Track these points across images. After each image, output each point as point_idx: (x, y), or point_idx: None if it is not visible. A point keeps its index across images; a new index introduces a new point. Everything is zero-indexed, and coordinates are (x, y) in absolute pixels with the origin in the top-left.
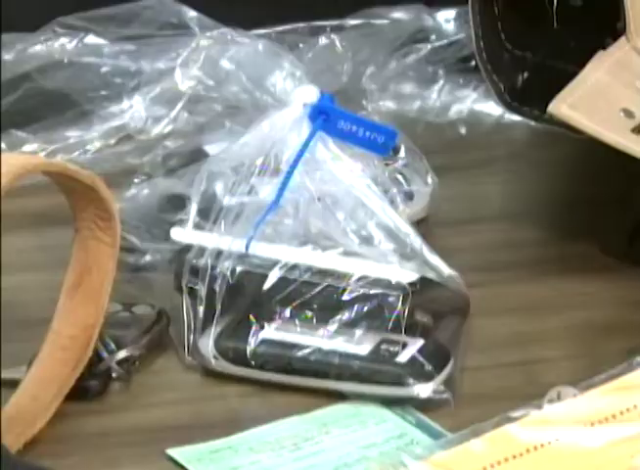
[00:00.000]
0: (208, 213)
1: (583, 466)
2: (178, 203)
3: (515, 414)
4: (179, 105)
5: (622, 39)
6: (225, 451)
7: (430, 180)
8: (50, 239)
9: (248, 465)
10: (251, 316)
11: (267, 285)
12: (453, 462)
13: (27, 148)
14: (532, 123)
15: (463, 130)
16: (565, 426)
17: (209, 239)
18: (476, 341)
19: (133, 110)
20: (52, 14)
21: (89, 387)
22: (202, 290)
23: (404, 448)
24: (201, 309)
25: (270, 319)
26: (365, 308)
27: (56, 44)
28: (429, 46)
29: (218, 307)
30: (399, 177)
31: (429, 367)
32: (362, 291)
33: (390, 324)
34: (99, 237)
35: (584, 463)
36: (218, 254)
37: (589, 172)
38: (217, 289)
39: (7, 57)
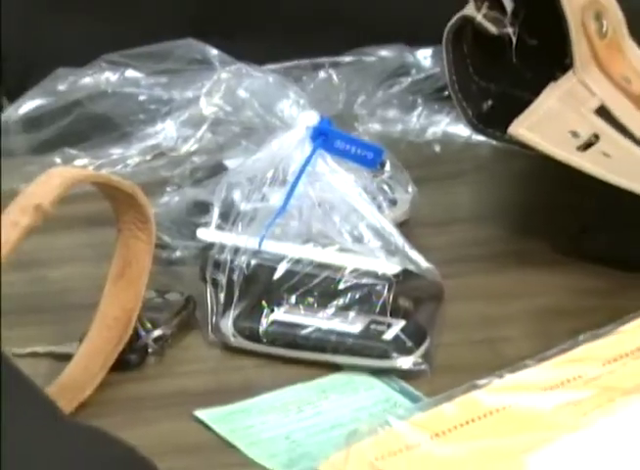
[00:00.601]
0: (228, 217)
1: (536, 425)
2: (203, 208)
3: (481, 382)
4: (204, 127)
5: (570, 73)
6: (241, 413)
7: (410, 189)
8: (97, 237)
9: (259, 424)
10: (263, 302)
11: (276, 276)
12: (429, 422)
13: (78, 163)
14: (495, 143)
15: (437, 148)
16: (521, 392)
17: (229, 238)
18: (448, 322)
19: (165, 131)
20: (99, 52)
21: (129, 360)
22: (222, 280)
23: (389, 411)
24: (221, 296)
25: (279, 304)
26: (357, 295)
27: (102, 77)
28: (409, 79)
29: (236, 294)
30: (385, 187)
31: (409, 343)
32: (354, 281)
33: (378, 308)
34: (138, 236)
35: (537, 423)
36: (236, 250)
37: (542, 183)
38: (235, 279)
39: (61, 87)
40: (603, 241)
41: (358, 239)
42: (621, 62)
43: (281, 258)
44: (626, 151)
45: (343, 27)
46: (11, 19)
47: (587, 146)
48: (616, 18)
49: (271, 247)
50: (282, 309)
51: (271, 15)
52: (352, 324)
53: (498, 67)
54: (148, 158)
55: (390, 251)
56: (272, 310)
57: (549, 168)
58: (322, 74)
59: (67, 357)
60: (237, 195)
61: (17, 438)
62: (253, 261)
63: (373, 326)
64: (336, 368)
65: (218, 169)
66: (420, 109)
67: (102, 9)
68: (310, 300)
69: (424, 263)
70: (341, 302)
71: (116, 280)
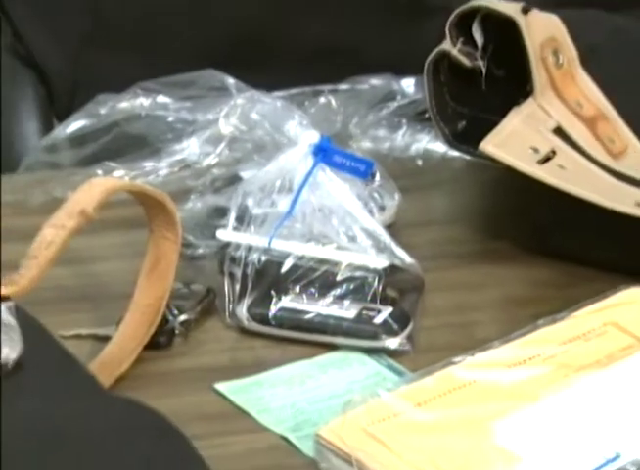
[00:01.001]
0: (243, 220)
1: (502, 396)
2: (221, 212)
3: (455, 360)
4: (222, 144)
5: (531, 98)
6: (253, 386)
7: (396, 196)
8: (132, 238)
9: (268, 395)
10: (272, 291)
11: (283, 270)
12: (412, 393)
13: (116, 174)
14: (468, 157)
15: (419, 162)
16: (490, 368)
17: (243, 237)
18: (428, 309)
19: (190, 148)
20: (134, 80)
21: (159, 340)
22: (237, 273)
23: (379, 384)
24: (237, 287)
25: (285, 293)
26: (351, 286)
27: (136, 101)
28: (396, 104)
29: (249, 285)
30: (375, 194)
31: (396, 327)
32: (349, 274)
33: (369, 297)
34: (166, 236)
35: (503, 394)
36: (249, 248)
37: (508, 191)
38: (248, 272)
39: (102, 110)
40: (558, 240)
41: (352, 238)
42: (574, 89)
43: (287, 255)
44: (578, 164)
45: (340, 60)
46: (61, 53)
47: (545, 160)
48: (570, 52)
49: (279, 245)
50: (288, 298)
51: (279, 50)
52: (347, 310)
53: (471, 93)
54: (175, 170)
55: (380, 248)
56: (280, 299)
57: (513, 179)
58: (322, 100)
59: (106, 339)
60: (250, 201)
61: (63, 407)
62: (264, 257)
63: (365, 312)
64: (333, 348)
65: (234, 180)
66: (404, 129)
67: (137, 44)
68: (312, 290)
69: (408, 259)
70: (337, 291)
71: (148, 273)
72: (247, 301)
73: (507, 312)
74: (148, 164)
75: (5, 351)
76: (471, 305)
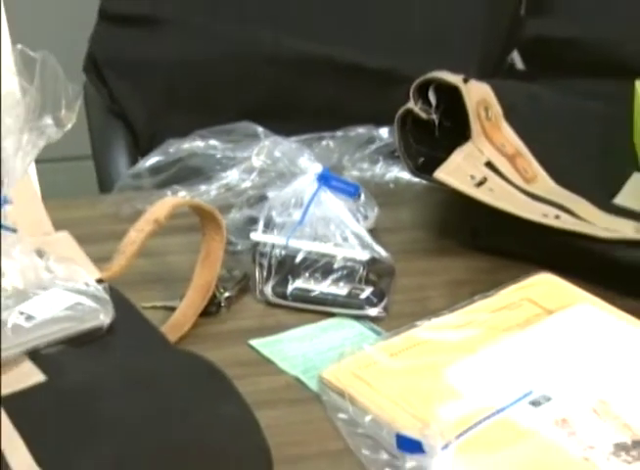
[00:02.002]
0: (268, 226)
1: (449, 349)
2: (253, 221)
3: (417, 324)
4: (254, 173)
5: (469, 141)
6: (276, 342)
7: (375, 210)
8: (191, 238)
9: (286, 349)
10: (289, 276)
11: (297, 261)
12: (387, 347)
13: (181, 194)
14: (425, 182)
15: (392, 185)
16: (440, 330)
17: (269, 238)
18: (398, 288)
19: (232, 176)
20: (193, 129)
21: (210, 310)
22: (265, 263)
23: (363, 341)
24: (264, 273)
25: (298, 277)
26: (344, 272)
27: (195, 144)
28: (375, 146)
29: (273, 272)
30: (361, 208)
31: (375, 300)
32: (343, 264)
33: (357, 280)
34: (215, 238)
35: (450, 348)
36: (273, 245)
37: (453, 206)
38: (272, 263)
39: (171, 150)
40: (489, 239)
41: (345, 239)
42: (499, 135)
43: (299, 250)
44: (502, 187)
45: (336, 116)
46: (144, 111)
47: (480, 184)
48: (496, 110)
49: (293, 243)
50: (300, 280)
51: (294, 109)
52: (341, 289)
53: (427, 138)
54: (221, 191)
55: (364, 246)
56: (294, 281)
57: (457, 197)
58: (323, 143)
59: (172, 309)
60: (274, 213)
61: (142, 357)
62: (283, 252)
63: (354, 290)
64: (331, 315)
65: (263, 198)
66: (381, 163)
67: (196, 104)
68: (316, 274)
69: (383, 253)
70: (334, 276)
71: (202, 263)
72: (271, 282)
73: (452, 291)
74: (202, 188)
75: (101, 317)
76: (427, 286)
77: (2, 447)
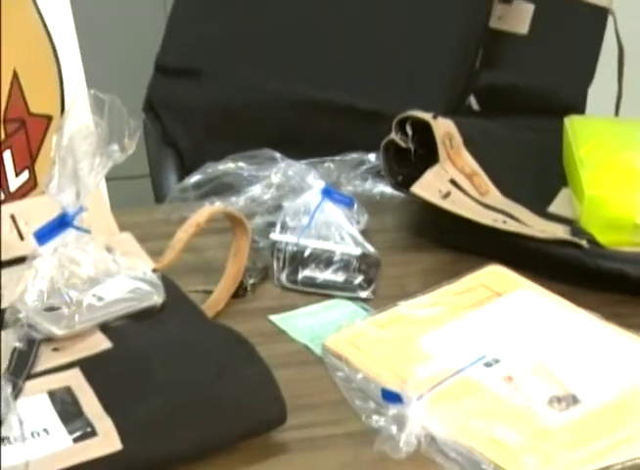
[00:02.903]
0: (284, 228)
1: (423, 323)
2: (272, 225)
3: (398, 303)
4: (273, 188)
5: (438, 164)
6: (289, 317)
7: (365, 216)
8: (225, 238)
9: (297, 322)
10: (299, 267)
11: (305, 255)
12: (375, 322)
13: (216, 204)
14: (403, 195)
15: (378, 198)
16: (416, 308)
17: (284, 238)
18: (383, 276)
19: (255, 190)
20: (226, 154)
21: (239, 293)
22: (280, 257)
23: (356, 316)
24: (280, 264)
25: (306, 268)
26: (342, 264)
27: (227, 165)
28: (365, 167)
29: (287, 264)
30: (354, 215)
31: (365, 286)
32: (340, 257)
33: (351, 269)
34: (242, 238)
35: (423, 322)
36: (287, 243)
37: (426, 213)
38: (286, 256)
39: (209, 170)
40: (452, 239)
41: (342, 238)
42: (460, 159)
43: (307, 247)
44: (463, 199)
45: (336, 145)
46: (189, 141)
47: (445, 196)
48: (458, 140)
49: (302, 242)
50: (308, 270)
51: (303, 139)
52: (340, 277)
53: (406, 161)
54: (248, 202)
55: (357, 243)
56: (303, 270)
57: (429, 207)
58: (326, 165)
59: (210, 292)
60: (288, 218)
61: (187, 329)
62: (294, 248)
63: (349, 278)
64: (332, 297)
65: (279, 207)
66: (370, 180)
67: (228, 135)
68: (321, 266)
69: (371, 249)
70: (334, 267)
71: (233, 257)
72: (285, 272)
73: (424, 278)
74: (233, 199)
75: (155, 298)
76: (405, 274)
77: (78, 397)
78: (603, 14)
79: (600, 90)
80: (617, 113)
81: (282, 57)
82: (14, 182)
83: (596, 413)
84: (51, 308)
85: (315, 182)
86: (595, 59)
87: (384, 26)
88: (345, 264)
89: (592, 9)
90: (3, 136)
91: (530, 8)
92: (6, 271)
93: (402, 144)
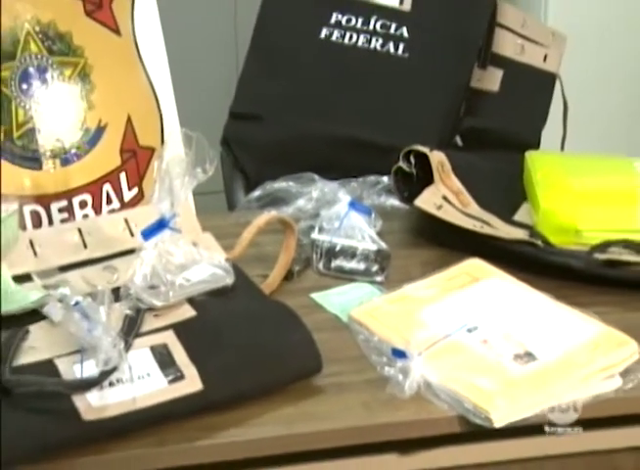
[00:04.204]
0: (321, 230)
1: (421, 301)
2: (312, 227)
3: (404, 286)
4: (313, 200)
5: (433, 184)
6: (324, 295)
7: (380, 221)
8: (278, 237)
9: (331, 298)
10: (332, 258)
11: (337, 249)
12: (386, 299)
13: (272, 212)
14: (408, 207)
15: (389, 208)
16: (416, 290)
17: (321, 237)
18: (392, 266)
19: (300, 202)
20: (279, 176)
21: (288, 277)
22: (318, 251)
23: (373, 295)
24: (318, 256)
25: (337, 258)
26: (363, 256)
27: (281, 184)
28: (380, 186)
29: (323, 256)
30: (372, 221)
31: (380, 272)
32: (362, 251)
33: (370, 260)
34: (291, 237)
35: (421, 300)
36: (323, 241)
37: (424, 219)
38: (323, 251)
39: (267, 187)
40: (443, 239)
41: (363, 238)
42: (450, 181)
43: (337, 244)
44: (451, 209)
45: (358, 170)
46: (254, 168)
47: (439, 208)
48: (448, 166)
49: (334, 240)
50: (338, 261)
51: (337, 165)
52: (361, 266)
53: (410, 182)
54: (295, 211)
55: (373, 241)
56: (335, 261)
57: (426, 215)
58: (352, 184)
59: (267, 276)
60: (324, 223)
61: (251, 305)
62: (328, 245)
63: (368, 267)
64: (355, 281)
65: (318, 215)
66: (384, 196)
67: (280, 163)
68: (347, 257)
69: (384, 246)
70: (358, 258)
71: (284, 251)
72: (322, 262)
73: (422, 268)
74: (285, 208)
75: (227, 280)
76: (408, 265)
77: (171, 351)
78: (553, 78)
79: (550, 133)
80: (562, 148)
81: (319, 105)
82: (127, 195)
83: (548, 367)
84: (152, 287)
85: (344, 197)
86: (547, 110)
87: (397, 88)
88: (365, 257)
89: (545, 74)
90: (120, 162)
91: (500, 73)
92: (121, 260)
93: (407, 169)
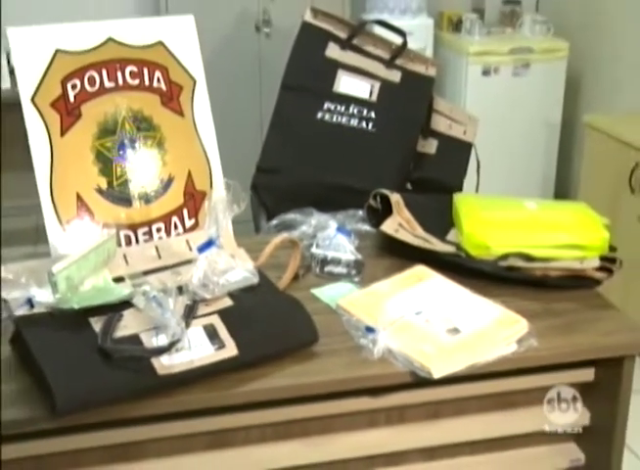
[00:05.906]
0: (318, 246)
1: (385, 294)
2: (312, 245)
3: (372, 284)
4: (312, 227)
5: (392, 215)
6: (320, 290)
7: (357, 241)
8: (287, 251)
9: (324, 293)
10: (324, 265)
11: (327, 259)
12: (361, 293)
13: (285, 235)
14: (376, 230)
15: (364, 232)
16: (381, 287)
17: (317, 251)
18: (366, 270)
19: (303, 228)
20: (291, 209)
21: (295, 278)
22: (315, 260)
23: (352, 291)
24: (315, 264)
25: (328, 266)
26: (346, 264)
27: (290, 216)
28: (357, 216)
29: (319, 263)
30: (352, 240)
31: (357, 275)
32: (345, 260)
33: (350, 267)
34: (297, 251)
35: (384, 293)
36: (318, 253)
37: (388, 239)
38: (320, 260)
39: (283, 217)
40: (400, 252)
41: (346, 251)
42: (403, 213)
43: (328, 255)
44: (405, 233)
45: (344, 206)
46: (272, 204)
47: (396, 231)
48: (401, 203)
49: (326, 253)
50: (328, 267)
51: (332, 201)
52: (344, 271)
53: (377, 214)
54: (300, 234)
55: (352, 254)
56: (327, 267)
57: (388, 237)
58: (338, 216)
59: (280, 278)
60: (319, 241)
61: (270, 297)
62: (322, 256)
63: (349, 271)
64: (340, 281)
65: (315, 236)
66: (360, 223)
67: (291, 202)
68: (334, 264)
69: (360, 257)
70: (342, 265)
71: (292, 260)
72: (318, 267)
73: (385, 272)
74: (293, 232)
75: (254, 280)
76: (376, 270)
77: (217, 329)
78: (470, 145)
79: (469, 181)
80: (477, 191)
81: (317, 163)
82: (187, 224)
83: (469, 337)
84: (204, 285)
85: (333, 224)
86: (466, 166)
87: (369, 152)
88: (347, 264)
89: (465, 143)
90: (183, 202)
91: (436, 142)
92: (183, 267)
93: (375, 206)
